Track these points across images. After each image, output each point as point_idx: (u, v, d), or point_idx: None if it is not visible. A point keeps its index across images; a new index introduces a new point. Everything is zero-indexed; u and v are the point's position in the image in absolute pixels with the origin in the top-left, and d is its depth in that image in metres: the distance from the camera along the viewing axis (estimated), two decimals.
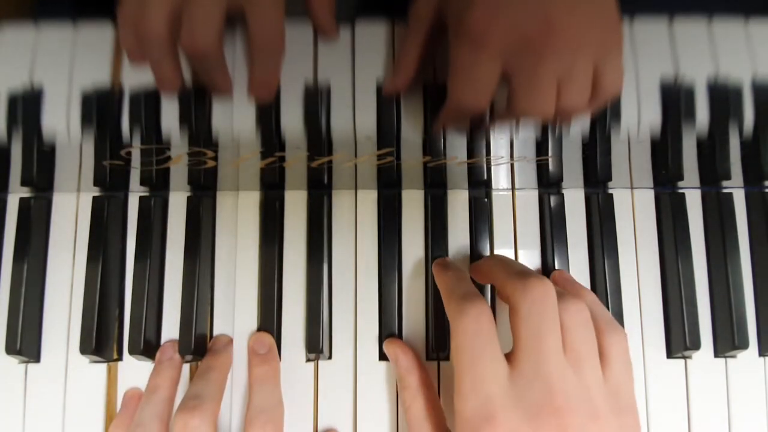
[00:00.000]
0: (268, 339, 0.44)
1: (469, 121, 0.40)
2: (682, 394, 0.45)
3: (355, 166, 0.45)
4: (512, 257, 0.46)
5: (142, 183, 0.46)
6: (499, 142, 0.43)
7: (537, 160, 0.45)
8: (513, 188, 0.47)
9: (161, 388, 0.42)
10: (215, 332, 0.45)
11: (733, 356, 0.45)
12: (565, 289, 0.40)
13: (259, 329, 0.44)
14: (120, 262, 0.46)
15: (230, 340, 0.44)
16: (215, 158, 0.43)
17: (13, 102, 0.41)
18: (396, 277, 0.45)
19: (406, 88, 0.41)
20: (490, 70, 0.35)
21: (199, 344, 0.44)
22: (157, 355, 0.44)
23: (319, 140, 0.42)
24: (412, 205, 0.47)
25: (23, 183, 0.45)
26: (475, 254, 0.46)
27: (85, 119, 0.41)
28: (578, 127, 0.42)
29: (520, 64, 0.34)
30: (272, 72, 0.40)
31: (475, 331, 0.35)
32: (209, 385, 0.40)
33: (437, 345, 0.44)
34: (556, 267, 0.46)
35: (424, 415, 0.40)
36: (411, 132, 0.41)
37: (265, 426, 0.39)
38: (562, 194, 0.47)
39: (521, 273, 0.37)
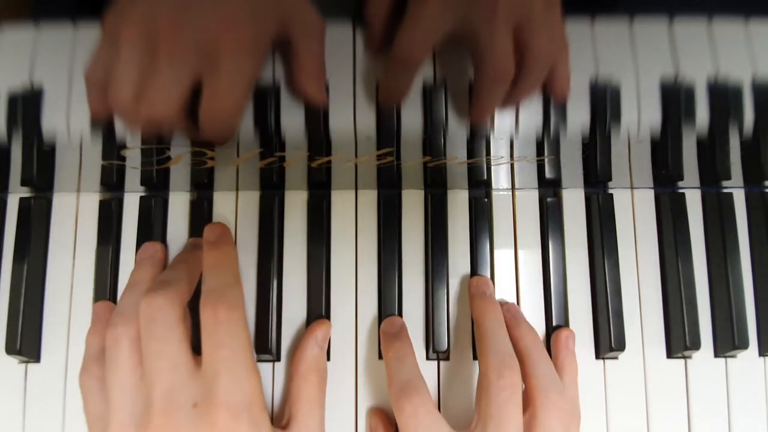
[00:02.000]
0: (218, 227, 0.44)
1: (409, 78, 0.40)
2: (682, 394, 0.45)
3: (355, 166, 0.45)
4: (512, 257, 0.46)
5: (142, 183, 0.46)
6: (499, 142, 0.43)
7: (537, 160, 0.45)
8: (513, 188, 0.47)
9: (141, 282, 0.41)
10: None
11: (733, 356, 0.45)
12: (557, 357, 0.43)
13: (257, 329, 0.44)
14: (119, 261, 0.46)
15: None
16: (215, 158, 0.43)
17: (13, 102, 0.41)
18: (396, 277, 0.45)
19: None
20: (437, 21, 0.36)
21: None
22: (137, 255, 0.44)
23: (319, 140, 0.42)
24: (412, 205, 0.47)
25: (23, 183, 0.45)
26: (475, 254, 0.46)
27: (85, 119, 0.41)
28: (578, 127, 0.42)
29: (476, 15, 0.36)
30: (320, 84, 0.41)
31: (415, 426, 0.37)
32: (178, 273, 0.40)
33: (437, 345, 0.44)
34: (557, 267, 0.46)
35: None
36: (411, 132, 0.41)
37: (217, 305, 0.37)
38: (563, 194, 0.47)
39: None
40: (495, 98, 0.39)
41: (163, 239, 0.46)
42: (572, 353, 0.44)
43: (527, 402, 0.39)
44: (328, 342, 0.43)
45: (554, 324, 0.45)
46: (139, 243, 0.46)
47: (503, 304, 0.45)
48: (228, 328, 0.36)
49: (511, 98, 0.40)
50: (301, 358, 0.42)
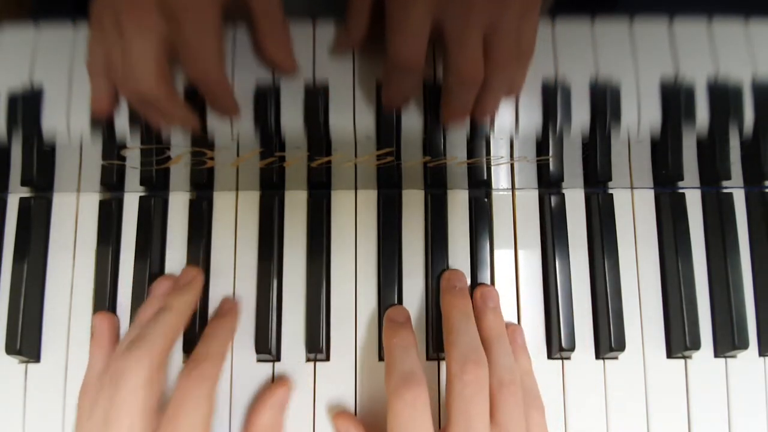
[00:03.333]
0: (230, 302, 0.45)
1: (410, 81, 0.40)
2: (682, 394, 0.45)
3: (355, 166, 0.45)
4: (512, 257, 0.46)
5: (142, 183, 0.46)
6: (499, 142, 0.43)
7: (537, 160, 0.45)
8: (513, 188, 0.47)
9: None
10: None
11: (733, 356, 0.45)
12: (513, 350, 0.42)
13: (257, 329, 0.44)
14: (119, 261, 0.46)
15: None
16: (215, 158, 0.43)
17: (13, 102, 0.41)
18: (396, 277, 0.45)
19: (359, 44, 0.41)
20: (422, 19, 0.36)
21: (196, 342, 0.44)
22: (151, 288, 0.44)
23: (319, 140, 0.42)
24: (412, 205, 0.47)
25: (23, 183, 0.45)
26: (475, 254, 0.46)
27: (85, 119, 0.41)
28: (578, 127, 0.42)
29: (450, 17, 0.36)
30: (285, 50, 0.41)
31: (409, 416, 0.37)
32: (158, 328, 0.40)
33: (437, 345, 0.44)
34: (557, 267, 0.46)
35: None
36: (411, 132, 0.41)
37: (191, 373, 0.38)
38: (562, 194, 0.47)
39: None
40: (463, 101, 0.39)
41: (162, 239, 0.46)
42: (521, 347, 0.44)
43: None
44: (286, 405, 0.43)
45: (554, 323, 0.45)
46: (139, 243, 0.46)
47: (478, 288, 0.45)
48: (194, 396, 0.38)
49: (480, 104, 0.39)
50: (253, 423, 0.42)
